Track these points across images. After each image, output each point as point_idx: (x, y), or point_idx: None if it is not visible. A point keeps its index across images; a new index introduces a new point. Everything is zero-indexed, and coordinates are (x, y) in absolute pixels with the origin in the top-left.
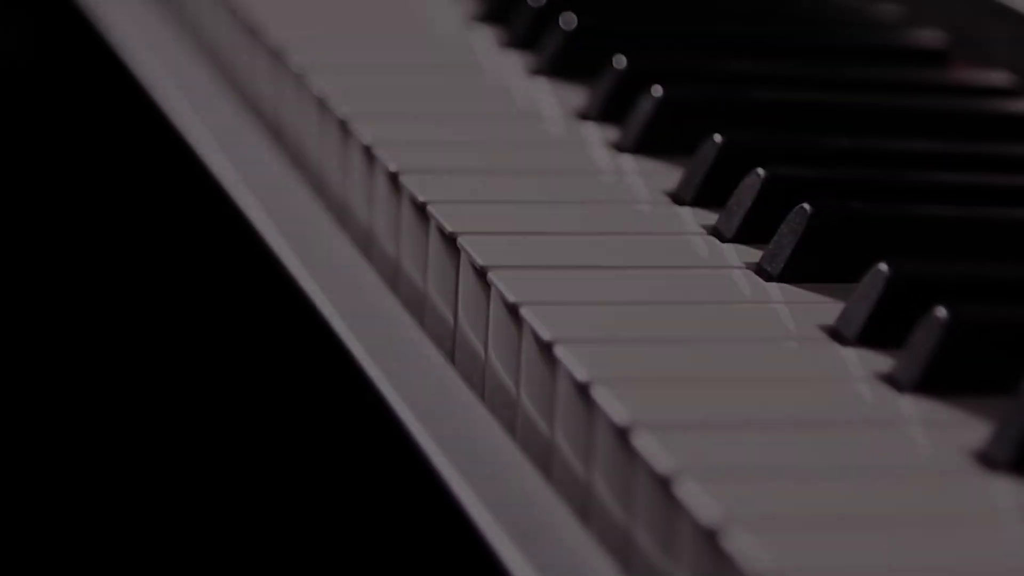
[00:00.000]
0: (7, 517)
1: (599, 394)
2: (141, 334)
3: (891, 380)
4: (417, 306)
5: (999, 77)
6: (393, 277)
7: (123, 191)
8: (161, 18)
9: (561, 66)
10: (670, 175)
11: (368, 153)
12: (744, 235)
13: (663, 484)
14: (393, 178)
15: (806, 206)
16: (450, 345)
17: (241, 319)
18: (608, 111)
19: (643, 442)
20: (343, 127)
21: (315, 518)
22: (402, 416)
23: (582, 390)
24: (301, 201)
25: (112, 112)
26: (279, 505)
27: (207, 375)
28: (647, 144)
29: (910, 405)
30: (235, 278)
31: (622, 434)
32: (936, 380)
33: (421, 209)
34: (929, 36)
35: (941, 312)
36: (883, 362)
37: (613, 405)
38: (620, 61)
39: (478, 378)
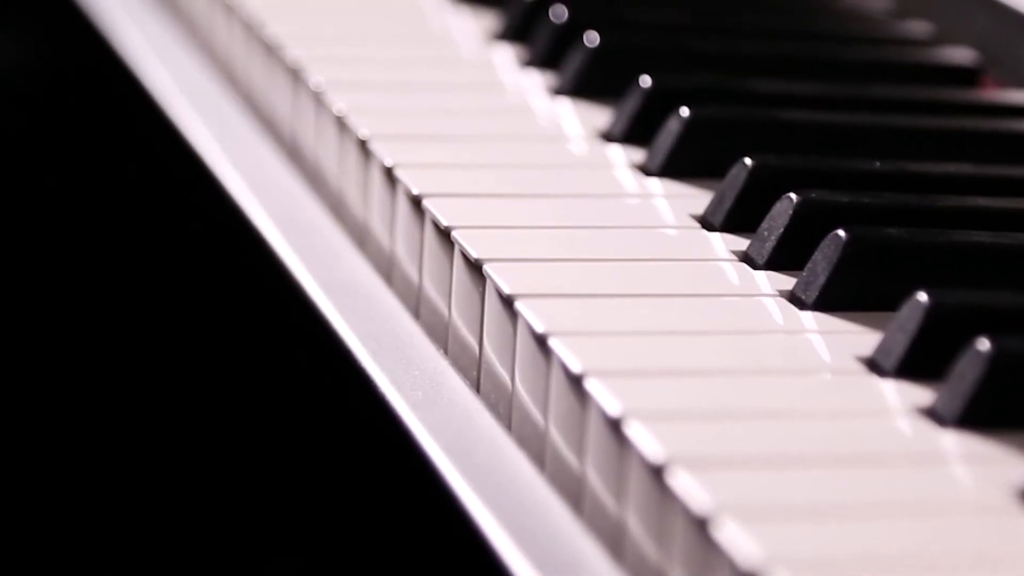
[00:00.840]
0: (7, 517)
1: (632, 430)
2: (156, 355)
3: (932, 414)
4: (440, 334)
5: None
6: (415, 303)
7: (135, 211)
8: (174, 34)
9: (584, 85)
10: (698, 199)
11: (389, 175)
12: (776, 262)
13: (700, 524)
14: (416, 202)
15: (841, 232)
16: (475, 375)
17: (257, 344)
18: (633, 132)
19: (679, 481)
20: (363, 147)
21: (338, 551)
22: (426, 447)
23: (614, 425)
24: (319, 223)
25: (123, 128)
26: (301, 538)
27: (224, 405)
28: (675, 167)
29: (952, 440)
30: (251, 302)
31: (657, 472)
32: (979, 414)
33: (445, 234)
34: (960, 54)
35: (983, 344)
36: (923, 395)
37: (647, 441)
38: (645, 81)
39: (505, 409)
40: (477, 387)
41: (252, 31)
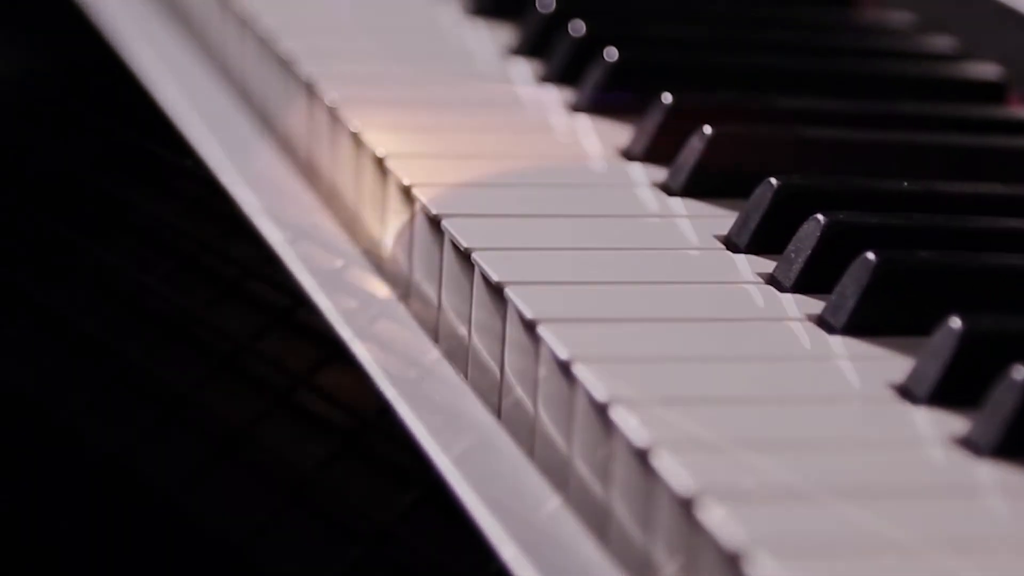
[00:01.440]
0: (7, 517)
1: (660, 461)
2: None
3: (967, 444)
4: (460, 357)
5: None
6: (434, 326)
7: (144, 224)
8: (185, 48)
9: (603, 102)
10: (723, 219)
11: (407, 194)
12: (804, 285)
13: (732, 560)
14: (435, 222)
15: (870, 255)
16: (496, 400)
17: (270, 362)
18: (655, 150)
19: (710, 514)
20: (380, 166)
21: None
22: (446, 473)
23: (641, 456)
24: (335, 242)
25: (130, 136)
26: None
27: (239, 433)
28: (697, 186)
29: (988, 471)
30: (265, 319)
31: (686, 505)
32: (1016, 444)
33: (465, 256)
34: (986, 69)
35: (1020, 372)
36: (958, 424)
37: (676, 473)
38: (667, 98)
39: (527, 435)
40: (498, 412)
41: (266, 46)
